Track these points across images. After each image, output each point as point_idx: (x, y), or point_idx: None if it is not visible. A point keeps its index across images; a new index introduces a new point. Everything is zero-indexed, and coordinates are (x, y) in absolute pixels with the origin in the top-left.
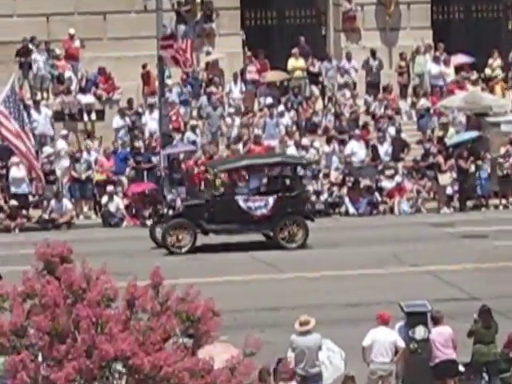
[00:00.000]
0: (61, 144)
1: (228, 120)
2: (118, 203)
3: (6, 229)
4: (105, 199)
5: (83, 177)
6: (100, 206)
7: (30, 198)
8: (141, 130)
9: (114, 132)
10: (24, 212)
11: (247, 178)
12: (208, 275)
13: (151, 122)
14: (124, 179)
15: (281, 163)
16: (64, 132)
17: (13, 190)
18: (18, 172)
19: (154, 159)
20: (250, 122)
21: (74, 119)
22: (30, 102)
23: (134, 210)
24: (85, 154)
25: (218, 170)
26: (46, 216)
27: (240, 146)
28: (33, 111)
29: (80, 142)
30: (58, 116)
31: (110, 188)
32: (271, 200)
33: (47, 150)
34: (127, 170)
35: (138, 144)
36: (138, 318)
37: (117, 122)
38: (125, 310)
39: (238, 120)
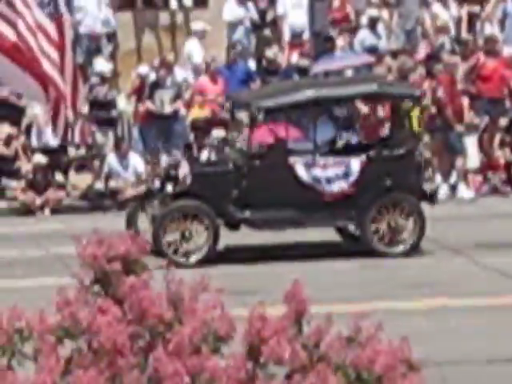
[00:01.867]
0: None
1: (435, 8)
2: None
3: (26, 208)
4: (207, 154)
5: (167, 111)
6: None
7: (71, 153)
8: (275, 25)
9: (225, 30)
10: (59, 178)
11: (312, 123)
12: (395, 296)
13: (294, 12)
14: (244, 118)
15: (376, 95)
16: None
17: (39, 138)
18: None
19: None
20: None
21: (150, 5)
22: None
23: None
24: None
25: (259, 108)
26: (99, 186)
27: (455, 57)
28: None
29: (163, 49)
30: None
31: (218, 133)
32: (356, 164)
33: (100, 63)
34: None
35: (271, 53)
36: (269, 374)
37: (231, 10)
38: (245, 359)
39: (453, 8)
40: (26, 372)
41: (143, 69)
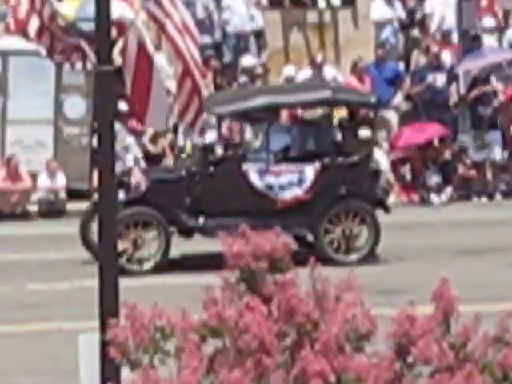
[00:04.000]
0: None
1: None
2: (377, 162)
3: None
4: None
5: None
6: None
7: (218, 152)
8: (423, 24)
9: (373, 29)
10: None
11: (266, 130)
12: None
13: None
14: (392, 115)
15: (329, 102)
16: None
17: (186, 137)
18: None
19: (440, 80)
20: None
21: (298, 4)
22: None
23: (409, 175)
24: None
25: (212, 114)
26: None
27: None
28: None
29: (311, 48)
30: None
31: (363, 132)
32: (310, 171)
33: (248, 60)
34: (398, 97)
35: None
36: (416, 373)
37: (379, 9)
38: (392, 359)
39: None
40: (169, 370)
41: (290, 69)
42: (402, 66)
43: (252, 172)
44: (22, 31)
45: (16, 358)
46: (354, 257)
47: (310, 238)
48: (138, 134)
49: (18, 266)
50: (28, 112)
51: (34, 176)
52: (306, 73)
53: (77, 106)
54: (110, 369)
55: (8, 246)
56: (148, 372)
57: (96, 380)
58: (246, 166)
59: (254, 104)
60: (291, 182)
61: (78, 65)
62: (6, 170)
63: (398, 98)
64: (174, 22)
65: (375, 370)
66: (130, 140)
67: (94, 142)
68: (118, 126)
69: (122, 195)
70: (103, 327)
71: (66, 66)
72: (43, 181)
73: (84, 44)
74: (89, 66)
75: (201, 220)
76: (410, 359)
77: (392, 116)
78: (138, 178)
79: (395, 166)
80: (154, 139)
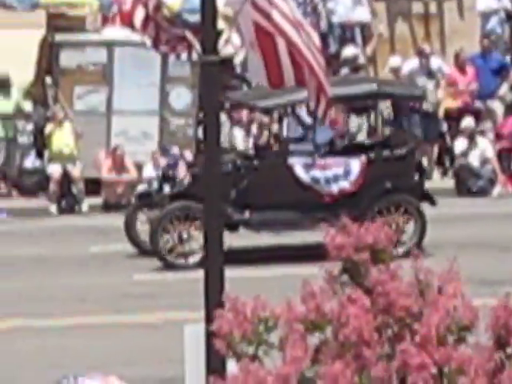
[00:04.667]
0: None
1: None
2: (483, 150)
3: None
4: (461, 144)
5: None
6: (451, 157)
7: None
8: None
9: (478, 19)
10: None
11: (311, 124)
12: None
13: None
14: (498, 105)
15: (375, 95)
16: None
17: (289, 129)
18: None
19: None
20: None
21: None
22: None
23: None
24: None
25: (256, 109)
26: None
27: None
28: None
29: (416, 38)
30: None
31: (469, 122)
32: (356, 165)
33: (351, 50)
34: (503, 88)
35: None
36: None
37: (484, 0)
38: (493, 349)
39: None
40: (273, 362)
41: (396, 60)
42: (508, 56)
43: (298, 166)
44: (128, 22)
45: (120, 348)
46: (400, 250)
47: None
48: (243, 125)
49: (123, 257)
50: (133, 103)
51: (139, 167)
52: (412, 63)
53: (182, 97)
54: (215, 360)
55: (113, 237)
56: (248, 364)
57: (202, 371)
58: (291, 160)
59: (299, 97)
60: (337, 175)
61: (184, 55)
62: (111, 161)
63: (504, 89)
64: (280, 10)
65: (476, 361)
66: (237, 131)
67: (200, 133)
68: (223, 117)
69: (167, 189)
70: (208, 318)
71: (172, 57)
72: (148, 172)
73: (189, 35)
74: (194, 56)
75: (246, 214)
76: (509, 350)
77: (497, 106)
78: (182, 172)
79: (501, 155)
80: (260, 130)
